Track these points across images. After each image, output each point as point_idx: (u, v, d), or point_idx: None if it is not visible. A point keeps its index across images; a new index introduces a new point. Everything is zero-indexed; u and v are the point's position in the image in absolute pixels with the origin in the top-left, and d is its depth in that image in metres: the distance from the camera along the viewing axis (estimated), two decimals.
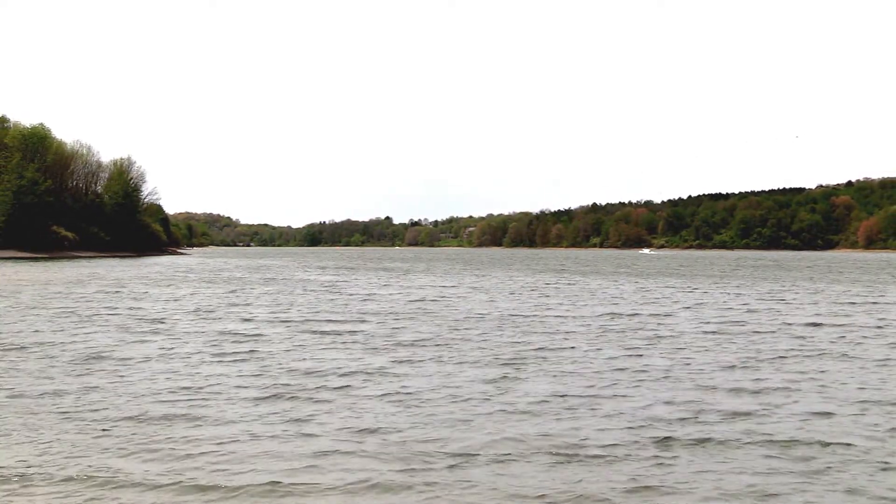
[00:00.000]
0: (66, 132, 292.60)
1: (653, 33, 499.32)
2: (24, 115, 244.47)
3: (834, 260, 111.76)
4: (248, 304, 26.18)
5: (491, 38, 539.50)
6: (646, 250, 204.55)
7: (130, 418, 9.39)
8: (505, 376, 12.31)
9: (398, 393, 10.94)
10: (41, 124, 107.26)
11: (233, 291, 33.44)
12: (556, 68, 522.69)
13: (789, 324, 20.62)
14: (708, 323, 20.70)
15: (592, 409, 10.04)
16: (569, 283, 41.32)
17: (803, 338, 17.62)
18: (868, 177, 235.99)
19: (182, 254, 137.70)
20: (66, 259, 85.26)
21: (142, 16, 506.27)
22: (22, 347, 15.24)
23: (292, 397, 10.66)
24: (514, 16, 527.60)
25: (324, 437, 8.62)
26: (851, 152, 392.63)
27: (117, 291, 32.22)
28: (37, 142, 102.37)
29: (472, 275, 53.19)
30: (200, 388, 11.30)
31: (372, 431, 8.87)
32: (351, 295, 30.97)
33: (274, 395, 10.77)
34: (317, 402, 10.43)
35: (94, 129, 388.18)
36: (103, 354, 14.42)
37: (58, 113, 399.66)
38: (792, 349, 15.67)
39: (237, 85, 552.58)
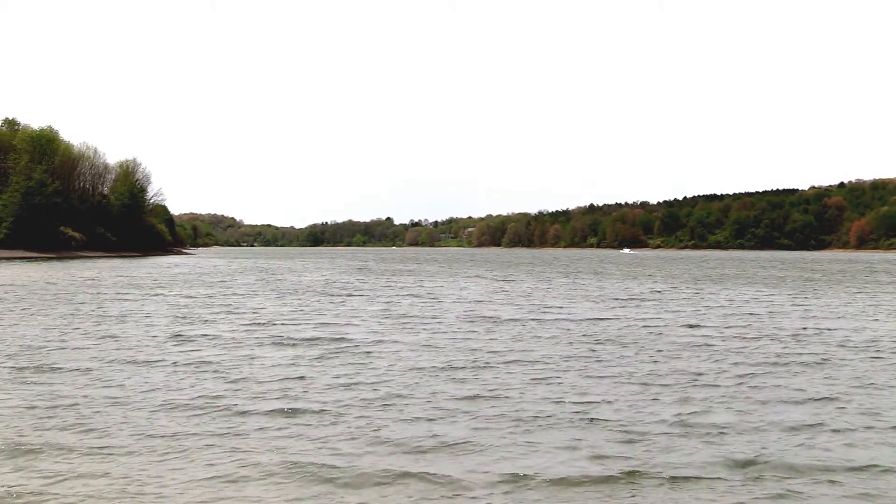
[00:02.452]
0: (73, 134, 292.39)
1: (648, 37, 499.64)
2: (32, 118, 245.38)
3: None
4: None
5: (490, 40, 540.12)
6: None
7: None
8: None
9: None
10: (49, 127, 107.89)
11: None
12: (554, 73, 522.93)
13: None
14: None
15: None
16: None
17: None
18: (860, 178, 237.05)
19: (186, 254, 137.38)
20: (74, 259, 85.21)
21: (146, 21, 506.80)
22: None
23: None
24: (513, 19, 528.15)
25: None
26: (843, 154, 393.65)
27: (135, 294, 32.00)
28: (45, 144, 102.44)
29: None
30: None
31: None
32: None
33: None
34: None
35: (100, 131, 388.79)
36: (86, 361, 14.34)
37: (65, 115, 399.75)
38: None
39: (241, 88, 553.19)
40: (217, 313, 22.39)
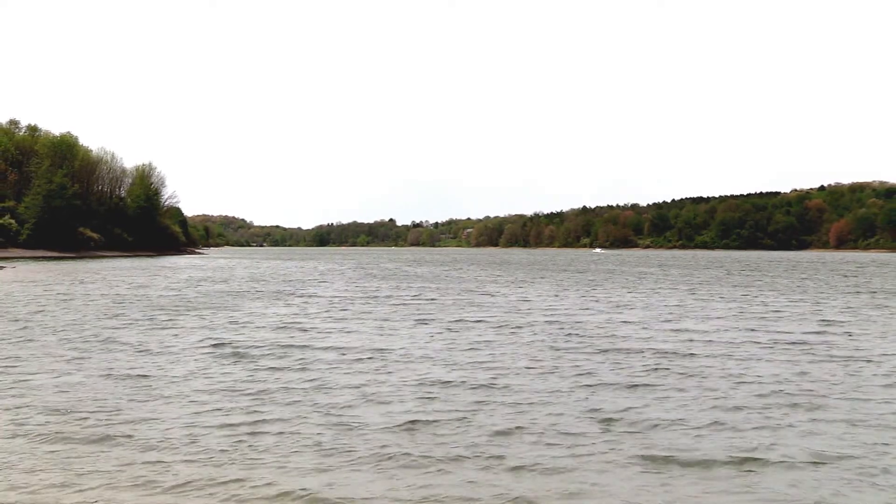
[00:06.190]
0: (91, 140, 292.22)
1: (643, 41, 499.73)
2: (52, 124, 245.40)
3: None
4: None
5: (490, 41, 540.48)
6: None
7: None
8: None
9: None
10: (69, 132, 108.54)
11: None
12: (552, 76, 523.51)
13: None
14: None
15: None
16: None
17: None
18: (839, 181, 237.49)
19: (199, 254, 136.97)
20: (92, 258, 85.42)
21: (157, 28, 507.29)
22: None
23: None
24: (513, 19, 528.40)
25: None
26: (823, 158, 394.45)
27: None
28: (65, 149, 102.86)
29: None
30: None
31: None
32: None
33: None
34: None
35: (117, 136, 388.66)
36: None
37: (84, 121, 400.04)
38: None
39: (251, 93, 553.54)
40: (235, 321, 19.47)
